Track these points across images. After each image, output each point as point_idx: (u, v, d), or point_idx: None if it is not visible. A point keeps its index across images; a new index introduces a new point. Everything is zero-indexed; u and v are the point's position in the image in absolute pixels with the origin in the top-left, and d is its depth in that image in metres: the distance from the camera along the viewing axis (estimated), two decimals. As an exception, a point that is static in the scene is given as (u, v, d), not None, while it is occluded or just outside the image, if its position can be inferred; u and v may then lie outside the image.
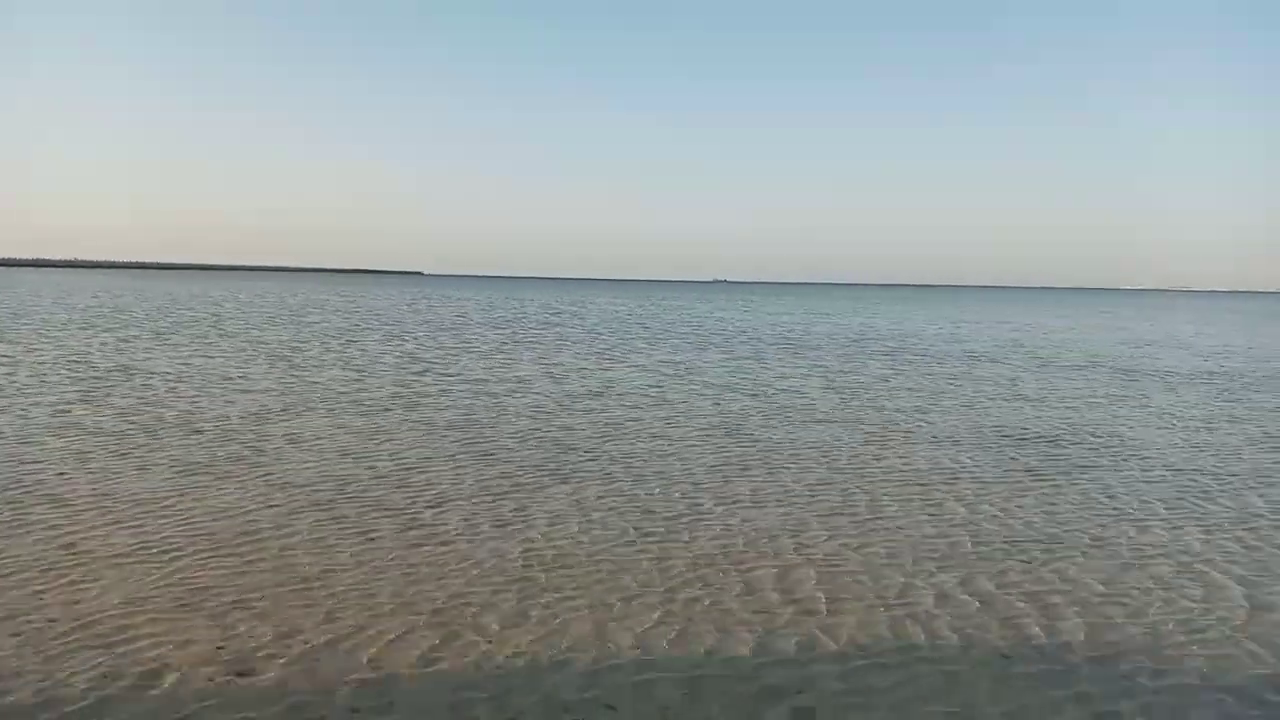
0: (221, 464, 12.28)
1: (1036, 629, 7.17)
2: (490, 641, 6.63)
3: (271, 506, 10.16)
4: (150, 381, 20.79)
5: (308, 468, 12.21)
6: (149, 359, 25.65)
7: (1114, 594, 8.02)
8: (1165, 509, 11.07)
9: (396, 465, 12.54)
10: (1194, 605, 7.78)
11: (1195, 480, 12.71)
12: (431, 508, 10.35)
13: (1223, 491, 12.07)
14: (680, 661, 6.39)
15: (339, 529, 9.34)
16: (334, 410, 17.28)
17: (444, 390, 20.69)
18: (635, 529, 9.73)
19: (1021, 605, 7.71)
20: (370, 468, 12.35)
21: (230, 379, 21.68)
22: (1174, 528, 10.23)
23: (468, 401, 18.90)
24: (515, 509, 10.41)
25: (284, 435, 14.56)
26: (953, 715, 5.68)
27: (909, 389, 22.84)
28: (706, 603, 7.59)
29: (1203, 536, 9.91)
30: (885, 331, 48.86)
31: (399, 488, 11.24)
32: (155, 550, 8.45)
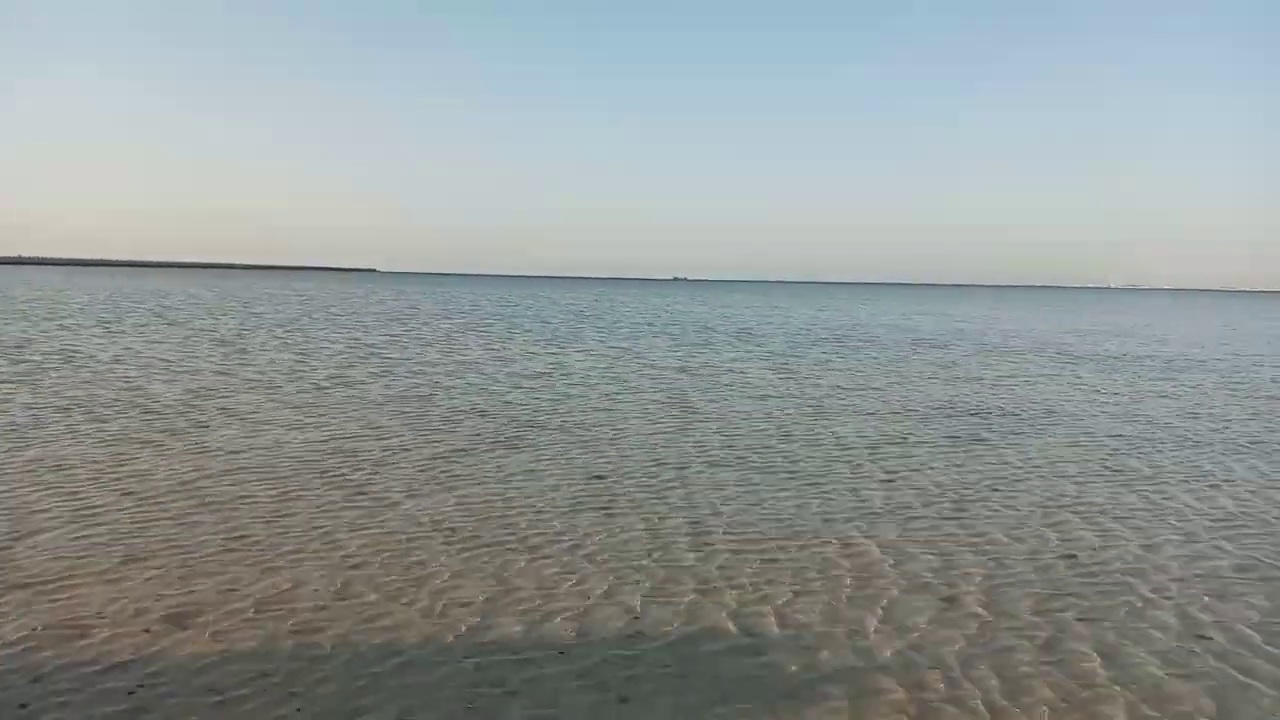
0: (159, 436, 12.24)
1: (928, 573, 7.50)
2: (436, 594, 6.80)
3: (208, 474, 10.17)
4: (91, 364, 20.47)
5: (244, 438, 12.22)
6: (94, 345, 25.20)
7: (1015, 538, 8.43)
8: (1076, 469, 11.58)
9: (330, 434, 12.60)
10: (1087, 548, 8.22)
11: (1111, 444, 13.28)
12: (362, 472, 10.46)
13: (1136, 453, 12.63)
14: (576, 606, 6.62)
15: (276, 493, 9.40)
16: (274, 388, 17.20)
17: (386, 370, 20.69)
18: (568, 487, 9.98)
19: (915, 550, 8.08)
20: (306, 437, 12.40)
21: (170, 361, 21.42)
22: (1081, 484, 10.71)
23: (408, 379, 18.94)
24: (440, 473, 10.56)
25: (220, 409, 14.51)
26: (849, 631, 6.02)
27: (847, 369, 23.38)
28: (599, 541, 7.84)
29: (1108, 491, 10.41)
30: (835, 322, 49.63)
31: (332, 454, 11.32)
32: (94, 513, 8.45)
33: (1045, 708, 5.07)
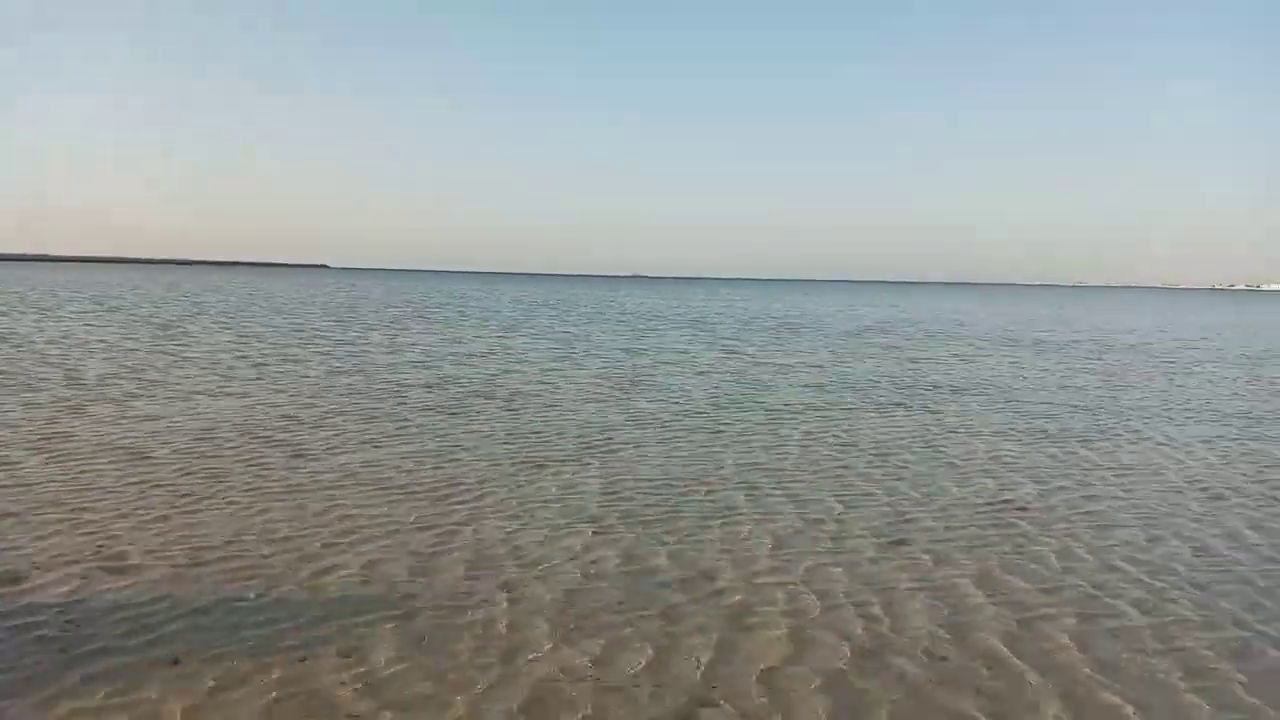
0: (91, 404, 12.13)
1: (822, 513, 7.80)
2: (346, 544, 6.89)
3: (140, 437, 10.12)
4: (27, 345, 20.02)
5: (178, 406, 12.14)
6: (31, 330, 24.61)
7: (919, 485, 8.76)
8: (991, 431, 11.99)
9: (261, 403, 12.56)
10: (985, 491, 8.59)
11: (1030, 411, 13.76)
12: (291, 436, 10.48)
13: (1052, 418, 13.10)
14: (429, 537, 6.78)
15: (209, 452, 9.43)
16: (211, 365, 17.02)
17: (325, 351, 20.56)
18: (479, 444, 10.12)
19: (820, 495, 8.39)
20: (243, 406, 12.35)
21: (108, 343, 21.04)
22: (994, 443, 11.11)
23: (348, 358, 18.85)
24: (373, 433, 10.63)
25: (156, 383, 14.37)
26: (736, 561, 6.25)
27: (789, 350, 23.80)
28: (501, 497, 8.01)
29: (1011, 448, 10.83)
30: (782, 313, 50.23)
31: (263, 418, 11.31)
32: (26, 474, 8.37)
33: (924, 627, 5.35)
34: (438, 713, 4.12)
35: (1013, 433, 11.85)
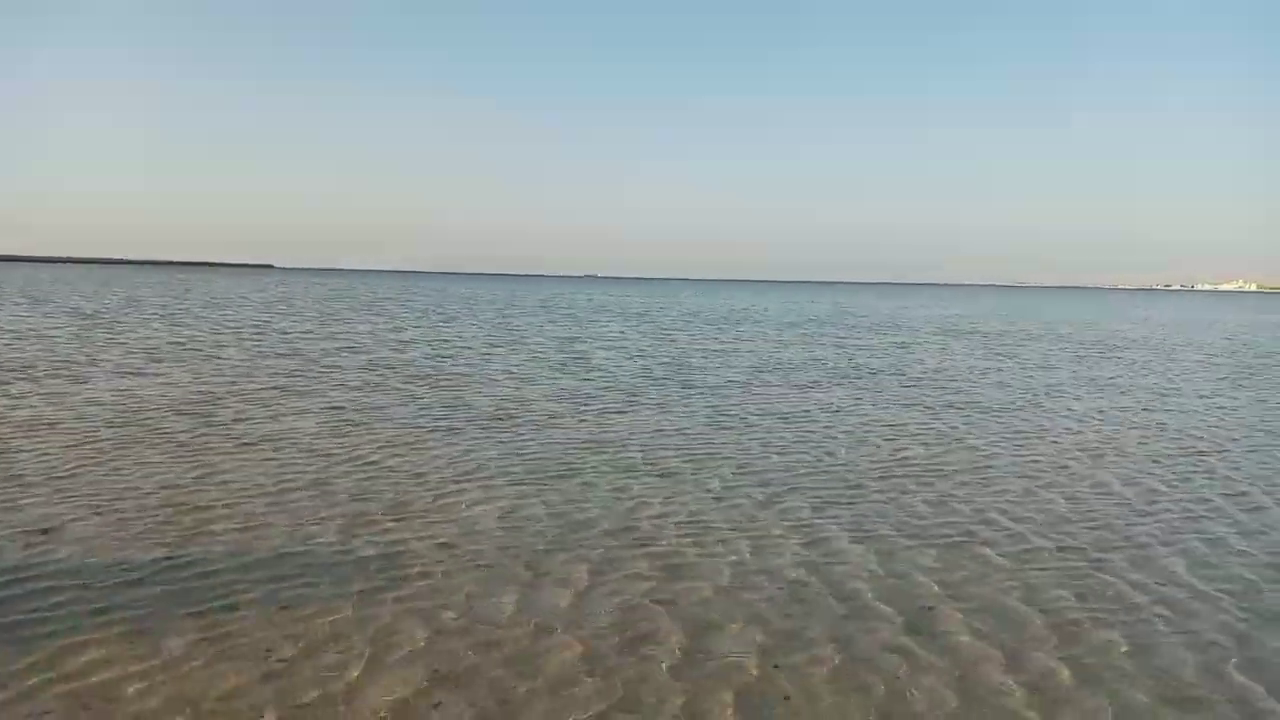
0: (14, 381, 11.96)
1: (727, 466, 8.01)
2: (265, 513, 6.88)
3: (72, 411, 9.99)
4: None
5: (106, 383, 11.96)
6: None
7: (815, 449, 9.02)
8: (900, 404, 12.35)
9: (183, 381, 12.42)
10: (878, 454, 8.90)
11: (945, 388, 14.17)
12: (214, 406, 10.42)
13: (962, 393, 13.52)
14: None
15: (139, 424, 9.35)
16: (139, 350, 16.71)
17: (256, 341, 20.29)
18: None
19: (716, 448, 8.60)
20: (166, 384, 12.19)
21: (35, 330, 20.50)
22: (899, 413, 11.46)
23: (278, 344, 18.63)
24: (290, 407, 10.59)
25: (85, 360, 14.20)
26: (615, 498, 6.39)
27: (726, 338, 24.13)
28: (404, 459, 8.08)
29: (916, 417, 11.19)
30: (726, 310, 50.76)
31: (188, 397, 11.19)
32: None
33: (788, 564, 5.55)
34: (265, 665, 4.18)
35: (922, 406, 12.21)
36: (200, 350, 17.21)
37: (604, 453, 8.54)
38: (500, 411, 10.78)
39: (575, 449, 8.68)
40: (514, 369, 15.46)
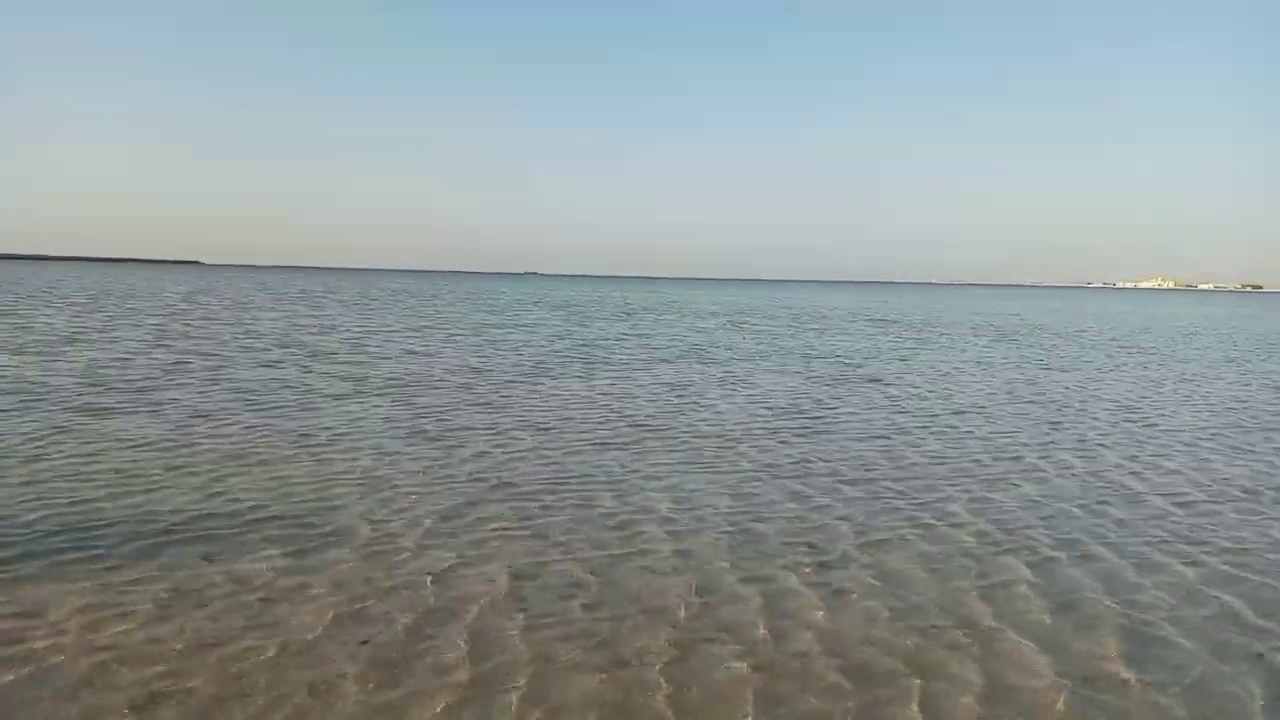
0: None
1: (593, 424, 8.34)
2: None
3: None
4: None
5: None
6: None
7: (682, 412, 9.40)
8: (779, 371, 12.87)
9: (85, 364, 12.27)
10: (849, 412, 9.35)
11: (837, 362, 14.78)
12: (137, 391, 10.37)
13: (853, 367, 14.12)
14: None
15: (49, 402, 9.25)
16: (39, 334, 16.33)
17: (159, 327, 19.94)
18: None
19: (597, 420, 8.93)
20: (70, 365, 12.05)
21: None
22: (818, 389, 11.96)
23: (185, 341, 18.37)
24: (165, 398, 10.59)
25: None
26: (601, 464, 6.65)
27: (640, 328, 24.55)
28: (332, 427, 8.21)
29: (796, 385, 11.76)
30: (658, 303, 51.34)
31: (101, 374, 11.11)
32: None
33: (721, 520, 5.88)
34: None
35: (808, 379, 12.73)
36: (95, 339, 16.85)
37: (494, 424, 8.77)
38: (403, 383, 10.93)
39: (464, 420, 8.89)
40: (422, 339, 15.56)
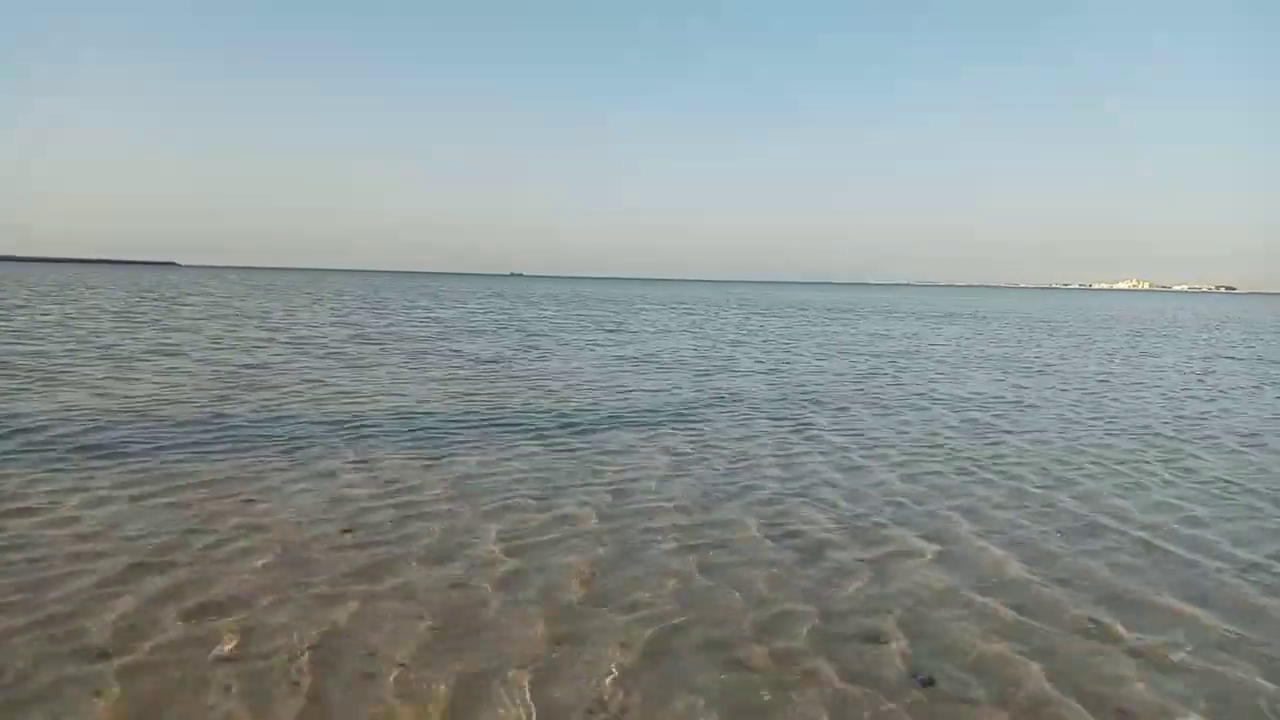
0: None
1: (542, 398, 8.73)
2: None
3: None
4: None
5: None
6: None
7: (639, 382, 9.82)
8: (732, 346, 13.32)
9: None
10: (825, 377, 9.84)
11: (814, 348, 15.24)
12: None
13: (827, 356, 14.59)
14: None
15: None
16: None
17: (124, 319, 20.14)
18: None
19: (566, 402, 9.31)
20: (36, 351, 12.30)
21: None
22: (732, 352, 12.42)
23: (155, 338, 18.59)
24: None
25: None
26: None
27: (578, 318, 24.97)
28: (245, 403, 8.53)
29: (746, 356, 12.17)
30: (611, 295, 51.82)
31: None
32: None
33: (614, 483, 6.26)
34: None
35: (775, 366, 13.17)
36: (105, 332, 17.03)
37: (444, 407, 9.14)
38: (356, 368, 11.26)
39: (409, 403, 9.24)
40: (374, 317, 15.86)
